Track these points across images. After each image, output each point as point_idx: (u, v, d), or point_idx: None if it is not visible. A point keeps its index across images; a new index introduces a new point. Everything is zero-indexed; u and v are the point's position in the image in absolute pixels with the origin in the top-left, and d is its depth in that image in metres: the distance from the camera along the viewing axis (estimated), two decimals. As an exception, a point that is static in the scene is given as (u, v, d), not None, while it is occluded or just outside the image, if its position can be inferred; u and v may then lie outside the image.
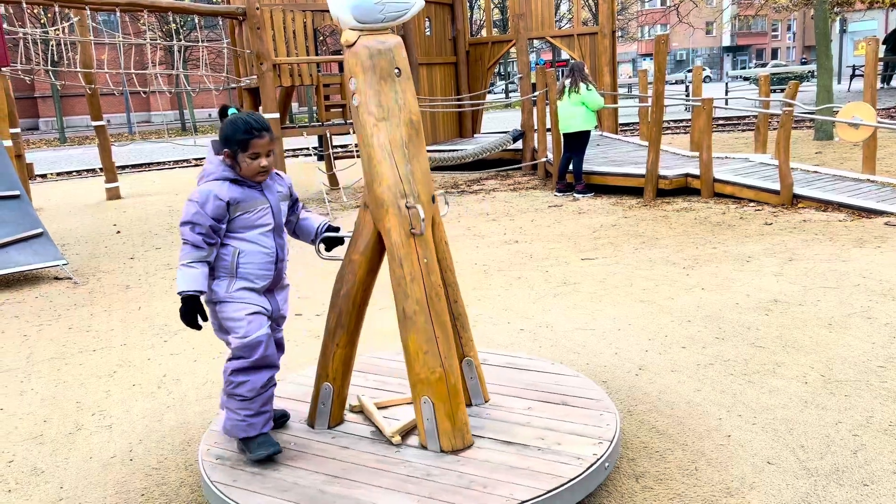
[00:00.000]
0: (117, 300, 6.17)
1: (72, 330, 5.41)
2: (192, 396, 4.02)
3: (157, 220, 10.23)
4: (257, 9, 10.23)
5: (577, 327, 4.72)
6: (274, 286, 2.98)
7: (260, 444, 2.85)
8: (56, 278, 7.08)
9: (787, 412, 3.40)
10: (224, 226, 2.81)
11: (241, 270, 2.84)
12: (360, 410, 3.26)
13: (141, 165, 18.02)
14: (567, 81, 9.59)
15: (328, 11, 10.16)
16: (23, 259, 6.95)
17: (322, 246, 3.25)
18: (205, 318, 2.85)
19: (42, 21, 25.78)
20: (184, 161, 18.40)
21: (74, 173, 17.37)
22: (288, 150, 18.28)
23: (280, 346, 3.08)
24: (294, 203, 3.19)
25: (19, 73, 9.54)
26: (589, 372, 3.97)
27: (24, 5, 8.62)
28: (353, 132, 11.53)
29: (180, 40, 22.21)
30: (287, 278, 3.10)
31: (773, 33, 74.35)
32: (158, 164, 18.24)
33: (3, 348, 5.06)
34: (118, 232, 9.46)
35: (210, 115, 40.15)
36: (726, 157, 10.22)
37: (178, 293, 2.77)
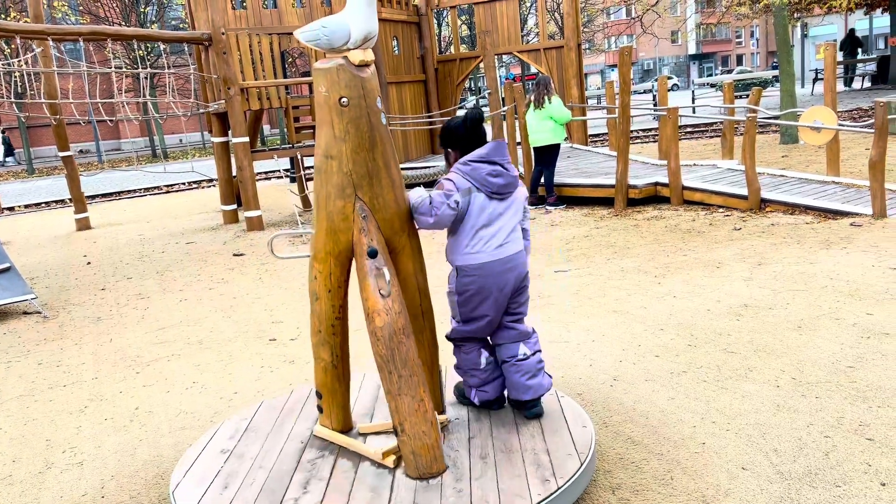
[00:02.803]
0: (88, 333, 6.08)
1: (41, 365, 5.31)
2: (166, 428, 3.97)
3: (127, 249, 10.12)
4: (223, 33, 10.21)
5: (552, 340, 4.73)
6: None
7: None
8: (25, 313, 6.97)
9: (760, 417, 3.42)
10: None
11: None
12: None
13: (111, 194, 17.82)
14: (533, 96, 9.68)
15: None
16: (-10, 295, 6.84)
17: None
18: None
19: (5, 52, 25.55)
20: (154, 188, 18.24)
21: (43, 205, 17.14)
22: (259, 173, 18.22)
23: None
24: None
25: (-18, 106, 9.42)
26: (564, 384, 3.98)
27: (-15, 38, 8.53)
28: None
29: (147, 67, 22.12)
30: None
31: (737, 40, 75.64)
32: (129, 192, 18.05)
33: (-29, 387, 4.96)
34: (88, 263, 9.33)
35: (181, 140, 39.89)
36: (694, 165, 10.36)
37: None
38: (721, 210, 8.35)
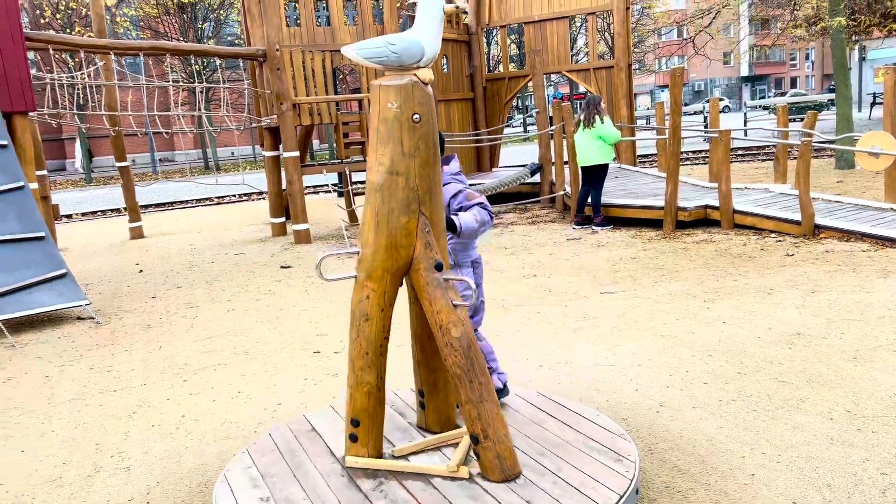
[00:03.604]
0: (138, 340, 6.22)
1: (93, 370, 5.44)
2: (211, 437, 4.02)
3: (178, 258, 10.34)
4: (277, 50, 10.42)
5: (597, 363, 4.67)
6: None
7: None
8: (79, 318, 7.15)
9: (813, 450, 3.32)
10: None
11: None
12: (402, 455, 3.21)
13: (164, 204, 18.27)
14: (583, 115, 9.64)
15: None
16: (46, 300, 7.04)
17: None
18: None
19: (70, 65, 26.48)
20: (206, 199, 18.63)
21: (99, 213, 17.65)
22: (308, 187, 18.48)
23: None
24: (460, 210, 3.51)
25: (46, 117, 9.77)
26: (609, 409, 3.92)
27: (52, 51, 8.87)
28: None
29: (202, 81, 22.68)
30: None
31: (792, 62, 74.27)
32: (181, 202, 18.48)
33: (26, 389, 5.10)
34: (141, 271, 9.56)
35: (232, 153, 40.73)
36: (746, 188, 10.17)
37: None
38: (773, 235, 8.17)
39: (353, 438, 2.97)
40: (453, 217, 3.30)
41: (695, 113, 44.35)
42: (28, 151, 8.20)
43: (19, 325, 6.91)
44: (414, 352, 3.24)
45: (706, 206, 9.03)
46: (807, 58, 73.90)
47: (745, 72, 72.31)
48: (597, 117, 9.42)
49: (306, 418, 3.66)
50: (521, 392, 3.85)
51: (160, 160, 38.27)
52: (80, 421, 4.42)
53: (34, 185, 8.06)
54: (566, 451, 3.14)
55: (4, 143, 7.76)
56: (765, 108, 41.27)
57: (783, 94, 60.60)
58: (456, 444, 3.29)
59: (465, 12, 14.76)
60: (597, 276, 7.05)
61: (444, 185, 3.45)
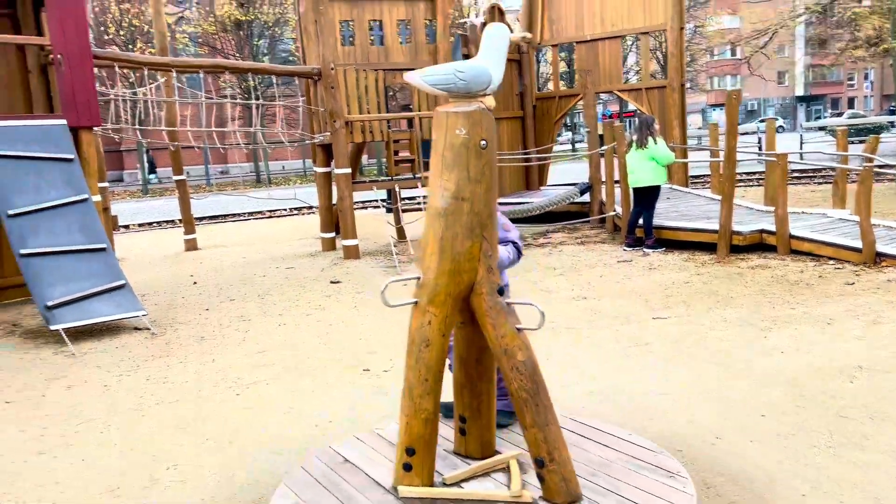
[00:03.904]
0: (193, 352, 6.34)
1: (149, 381, 5.57)
2: (263, 454, 4.07)
3: (231, 271, 10.53)
4: (332, 69, 10.60)
5: (650, 390, 4.60)
6: None
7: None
8: (136, 328, 7.34)
9: (879, 490, 3.21)
10: None
11: None
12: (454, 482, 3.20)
13: (217, 217, 18.66)
14: (636, 136, 9.56)
15: (399, 70, 10.41)
16: (106, 310, 7.24)
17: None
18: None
19: (131, 80, 27.32)
20: (258, 213, 18.98)
21: (155, 224, 18.11)
22: (356, 202, 18.66)
23: None
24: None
25: (109, 131, 10.10)
26: (663, 440, 3.85)
27: (117, 68, 9.17)
28: (422, 186, 11.73)
29: (258, 97, 23.16)
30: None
31: (850, 82, 72.52)
32: (234, 215, 18.86)
33: (86, 397, 5.24)
34: (195, 283, 9.76)
35: (283, 167, 41.44)
36: (802, 213, 9.93)
37: None
38: (832, 262, 7.95)
39: (407, 468, 2.92)
40: None
41: (746, 133, 43.53)
42: (92, 165, 8.46)
43: (79, 334, 7.12)
44: (457, 376, 3.22)
45: (762, 231, 8.85)
46: (865, 78, 72.11)
47: (800, 91, 70.87)
48: (650, 138, 9.34)
49: (334, 450, 3.57)
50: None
51: (221, 172, 39.22)
52: (137, 431, 4.52)
53: (97, 198, 8.31)
54: (615, 470, 3.15)
55: (71, 156, 8.04)
56: (821, 128, 40.34)
57: (840, 115, 59.15)
58: (503, 470, 3.27)
59: (531, 42, 14.78)
60: (648, 301, 6.96)
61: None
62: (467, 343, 3.11)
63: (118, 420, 4.74)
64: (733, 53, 56.79)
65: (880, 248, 7.68)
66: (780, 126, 52.56)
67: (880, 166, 8.77)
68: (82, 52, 8.31)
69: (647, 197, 9.45)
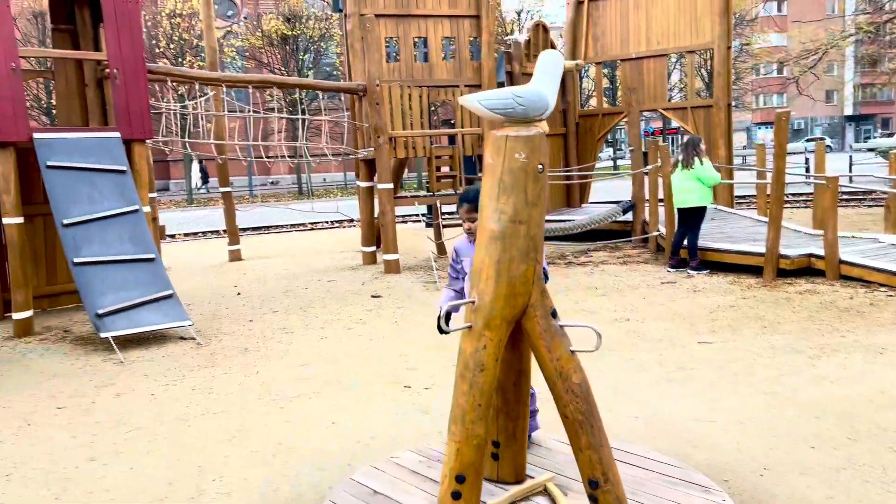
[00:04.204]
0: (237, 363, 6.44)
1: (195, 391, 5.67)
2: (307, 468, 4.11)
3: (274, 283, 10.68)
4: (377, 85, 10.72)
5: (695, 417, 4.54)
6: None
7: None
8: (181, 338, 7.47)
9: (936, 530, 3.11)
10: (458, 265, 3.76)
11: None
12: None
13: (260, 228, 18.94)
14: (681, 156, 9.47)
15: (443, 87, 10.44)
16: (153, 319, 7.40)
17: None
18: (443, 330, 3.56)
19: (180, 93, 27.95)
20: (300, 225, 19.21)
21: (200, 234, 18.45)
22: (398, 216, 18.78)
23: None
24: None
25: (160, 143, 10.35)
26: (709, 468, 3.79)
27: (170, 83, 9.40)
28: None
29: (303, 111, 23.50)
30: None
31: (901, 102, 70.75)
32: (277, 227, 19.12)
33: (134, 406, 5.36)
34: (239, 293, 9.92)
35: (324, 179, 41.91)
36: (853, 237, 9.71)
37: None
38: (883, 289, 7.76)
39: (455, 496, 2.85)
40: None
41: (793, 153, 42.72)
42: (143, 176, 8.68)
43: (127, 342, 7.28)
44: (493, 400, 3.17)
45: (810, 255, 8.67)
46: (918, 97, 70.25)
47: (849, 111, 69.42)
48: (696, 158, 9.24)
49: (359, 482, 3.51)
50: (551, 436, 3.83)
51: (271, 183, 39.85)
52: (183, 441, 4.60)
53: (147, 209, 8.52)
54: (653, 488, 3.20)
55: (123, 168, 8.26)
56: (871, 149, 39.38)
57: (890, 135, 57.75)
58: (539, 494, 3.27)
59: (585, 67, 14.79)
60: (693, 324, 6.87)
61: None
62: (506, 367, 3.11)
63: (165, 429, 4.83)
64: (780, 71, 55.92)
65: (935, 275, 7.48)
66: (828, 146, 51.50)
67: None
68: (137, 66, 8.56)
69: (692, 218, 9.34)
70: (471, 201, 3.56)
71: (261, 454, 4.34)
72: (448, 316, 3.82)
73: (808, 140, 50.74)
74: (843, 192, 18.45)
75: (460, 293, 3.81)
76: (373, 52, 10.83)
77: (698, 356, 5.83)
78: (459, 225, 13.08)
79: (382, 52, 11.58)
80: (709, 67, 33.64)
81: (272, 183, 37.59)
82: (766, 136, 62.33)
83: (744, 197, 18.86)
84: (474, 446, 2.70)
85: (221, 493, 3.83)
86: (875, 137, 61.19)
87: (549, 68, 2.97)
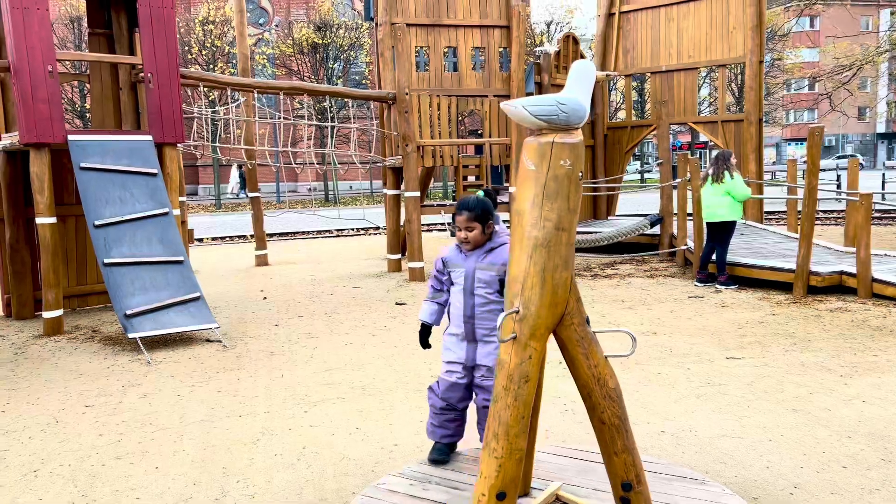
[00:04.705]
0: (262, 366, 6.47)
1: (220, 393, 5.70)
2: (330, 472, 4.11)
3: (300, 288, 10.73)
4: (407, 94, 10.77)
5: (724, 434, 4.47)
6: (471, 338, 3.61)
7: (434, 450, 3.73)
8: (208, 340, 7.53)
9: (974, 557, 3.02)
10: (444, 277, 3.71)
11: (450, 317, 3.72)
12: None
13: (287, 234, 19.08)
14: (711, 170, 9.39)
15: (471, 96, 10.44)
16: (181, 320, 7.47)
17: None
18: (428, 343, 3.85)
19: (210, 99, 28.32)
20: (326, 231, 19.32)
21: (228, 239, 18.63)
22: (423, 225, 18.83)
23: (481, 388, 3.63)
24: (501, 284, 3.52)
25: (191, 147, 10.48)
26: (738, 486, 3.73)
27: (202, 88, 9.52)
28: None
29: (332, 118, 23.69)
30: (495, 337, 3.48)
31: (936, 120, 69.59)
32: (303, 233, 19.25)
33: (160, 406, 5.40)
34: (265, 298, 9.98)
35: (350, 186, 42.17)
36: (885, 255, 9.55)
37: (418, 319, 3.88)
38: (918, 308, 7.61)
39: None
40: None
41: (824, 170, 42.20)
42: (174, 180, 8.79)
43: (154, 343, 7.35)
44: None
45: (841, 273, 8.53)
46: (952, 116, 69.06)
47: (881, 128, 68.42)
48: (726, 172, 9.15)
49: None
50: (540, 447, 3.78)
51: (309, 190, 40.17)
52: (208, 443, 4.62)
53: (177, 212, 8.61)
54: (660, 485, 3.26)
55: (155, 171, 8.37)
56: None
57: (925, 154, 56.81)
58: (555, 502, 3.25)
59: (614, 79, 14.74)
60: (721, 339, 6.78)
61: (500, 247, 3.53)
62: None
63: (191, 430, 4.86)
64: (811, 87, 55.36)
65: (972, 296, 7.31)
66: (860, 164, 50.89)
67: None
68: (171, 71, 8.68)
69: (721, 232, 9.25)
70: (471, 209, 3.50)
71: (285, 458, 4.35)
72: (427, 331, 3.83)
73: (839, 157, 50.13)
74: (876, 210, 18.16)
75: (444, 307, 3.77)
76: (403, 60, 10.88)
77: (726, 372, 5.75)
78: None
79: (412, 61, 11.63)
80: (739, 82, 33.36)
81: (309, 189, 37.84)
82: (796, 151, 61.67)
83: (773, 213, 18.64)
84: (516, 461, 2.64)
85: (245, 496, 3.84)
86: (908, 155, 60.21)
87: (581, 77, 2.96)
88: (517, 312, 2.69)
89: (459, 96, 11.83)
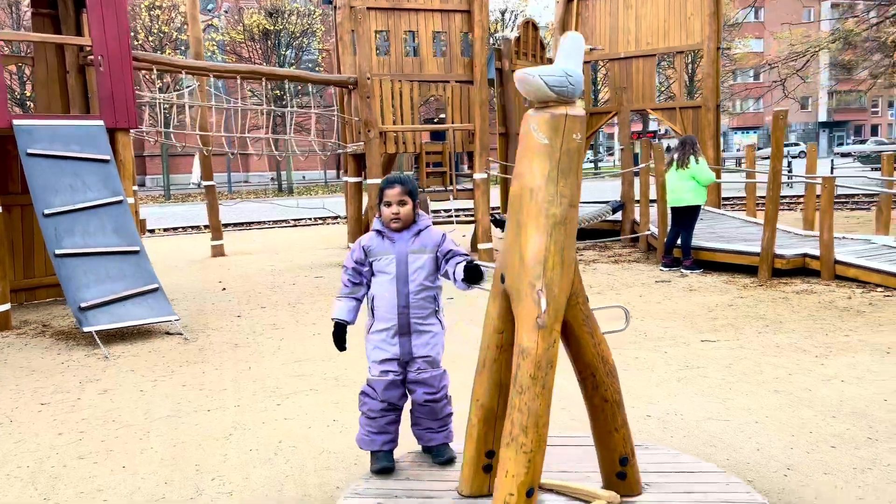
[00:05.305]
0: (227, 359, 6.22)
1: (185, 387, 5.44)
2: (311, 466, 3.92)
3: (259, 278, 10.44)
4: (368, 79, 10.53)
5: (709, 417, 4.42)
6: (405, 330, 3.30)
7: (377, 459, 3.37)
8: (167, 333, 7.23)
9: (973, 533, 3.01)
10: (365, 268, 3.36)
11: (375, 313, 3.36)
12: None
13: (241, 224, 18.63)
14: (676, 155, 9.40)
15: (433, 82, 10.19)
16: (138, 313, 7.14)
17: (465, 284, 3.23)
18: (345, 343, 3.48)
19: (158, 87, 27.47)
20: (282, 221, 18.94)
21: (180, 229, 18.10)
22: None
23: (420, 383, 3.36)
24: (447, 256, 3.31)
25: (144, 134, 10.07)
26: (731, 468, 3.67)
27: (155, 71, 9.13)
28: (452, 199, 11.61)
29: (285, 106, 23.18)
30: (433, 326, 3.35)
31: (874, 109, 71.98)
32: (258, 223, 18.82)
33: (122, 402, 5.12)
34: (224, 289, 9.67)
35: (304, 177, 41.53)
36: (843, 238, 9.71)
37: (331, 318, 3.47)
38: (880, 290, 7.73)
39: None
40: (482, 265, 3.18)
41: (765, 158, 43.19)
42: (128, 167, 8.42)
43: (111, 337, 7.02)
44: (491, 405, 2.92)
45: (805, 255, 8.64)
46: (890, 105, 71.54)
47: (822, 117, 70.41)
48: (692, 157, 9.18)
49: None
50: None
51: (271, 179, 39.36)
52: (177, 439, 4.38)
53: (131, 200, 8.25)
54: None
55: (107, 157, 7.98)
56: (844, 154, 39.93)
57: (863, 142, 58.71)
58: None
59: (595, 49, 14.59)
60: (694, 323, 6.77)
61: (426, 229, 3.33)
62: (511, 368, 2.95)
63: (157, 426, 4.61)
64: (756, 77, 56.48)
65: (932, 276, 7.46)
66: (802, 151, 52.17)
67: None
68: (122, 53, 8.29)
69: (686, 217, 9.28)
70: (404, 183, 3.26)
71: (261, 453, 4.14)
72: (344, 330, 3.42)
73: (784, 145, 51.40)
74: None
75: (360, 302, 3.40)
76: (363, 44, 10.63)
77: (703, 354, 5.73)
78: (450, 221, 12.85)
79: (372, 45, 11.38)
80: (689, 71, 33.85)
81: (272, 179, 37.05)
82: (742, 140, 62.97)
83: (727, 199, 18.91)
84: (543, 453, 2.50)
85: (222, 493, 3.63)
86: (848, 143, 62.14)
87: (575, 49, 2.84)
88: (542, 294, 2.52)
89: (421, 82, 11.63)
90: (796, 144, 55.28)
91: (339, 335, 3.45)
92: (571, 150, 2.53)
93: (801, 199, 14.41)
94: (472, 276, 3.14)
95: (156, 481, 3.80)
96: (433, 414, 3.40)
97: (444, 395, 3.42)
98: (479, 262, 3.19)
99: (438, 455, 3.43)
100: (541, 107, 2.70)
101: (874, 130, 71.68)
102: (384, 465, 3.33)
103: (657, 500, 2.95)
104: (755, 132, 66.53)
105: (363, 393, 3.43)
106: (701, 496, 3.01)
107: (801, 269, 8.70)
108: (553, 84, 2.55)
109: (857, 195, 17.68)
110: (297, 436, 4.38)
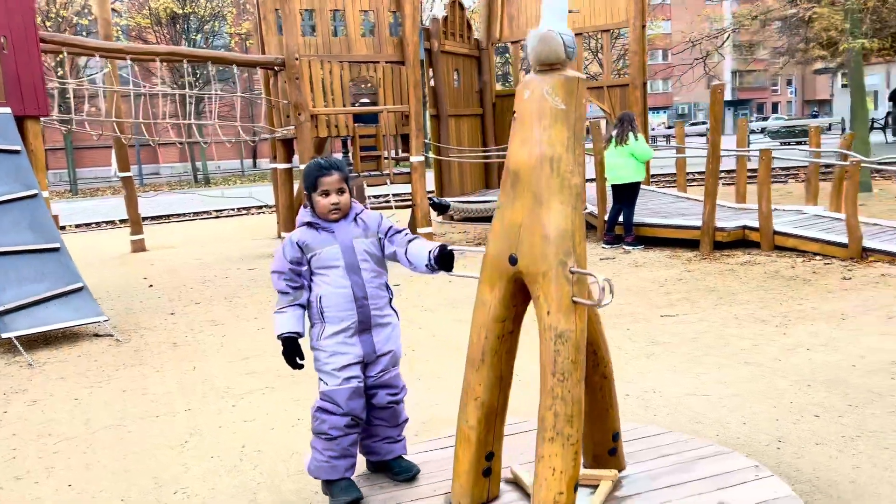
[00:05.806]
0: (168, 360, 5.78)
1: (126, 392, 5.01)
2: (283, 471, 3.62)
3: (188, 273, 9.89)
4: (296, 59, 10.08)
5: (687, 392, 4.34)
6: (366, 326, 2.94)
7: (343, 489, 2.90)
8: (96, 335, 6.71)
9: (976, 495, 3.00)
10: (304, 267, 2.93)
11: (326, 314, 2.92)
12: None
13: (160, 217, 17.75)
14: (615, 132, 9.39)
15: (364, 62, 9.82)
16: (63, 315, 6.58)
17: (442, 272, 2.95)
18: (302, 358, 2.98)
19: (59, 74, 25.88)
20: (204, 213, 18.15)
21: (94, 225, 17.09)
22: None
23: (383, 386, 3.02)
24: (390, 235, 3.03)
25: (55, 123, 9.32)
26: (722, 443, 3.57)
27: (66, 54, 8.44)
28: (389, 183, 11.31)
29: (198, 88, 22.20)
30: (390, 317, 3.03)
31: (773, 88, 75.32)
32: (178, 215, 17.98)
33: (56, 413, 4.66)
34: (150, 286, 9.10)
35: (219, 167, 40.12)
36: (775, 209, 9.94)
37: (277, 337, 2.96)
38: (818, 258, 7.92)
39: None
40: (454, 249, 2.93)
41: (692, 135, 44.53)
42: (40, 158, 7.77)
43: (33, 342, 6.45)
44: (489, 401, 2.69)
45: (744, 227, 8.78)
46: (789, 84, 75.01)
47: (728, 96, 73.15)
48: (630, 134, 9.18)
49: None
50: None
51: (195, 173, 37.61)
52: (127, 451, 3.98)
53: (46, 194, 7.61)
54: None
55: (17, 148, 7.32)
56: (752, 131, 41.61)
57: (765, 119, 61.37)
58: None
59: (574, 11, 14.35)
60: (649, 298, 6.74)
61: (362, 212, 3.04)
62: (513, 357, 2.76)
63: (101, 438, 4.19)
64: (665, 57, 58.06)
65: (866, 243, 7.69)
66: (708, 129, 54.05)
67: (868, 162, 8.81)
68: (28, 34, 7.61)
69: (627, 194, 9.29)
70: (341, 169, 2.93)
71: (224, 460, 3.80)
72: (296, 345, 2.95)
73: (692, 124, 52.90)
74: (751, 169, 19.18)
75: (304, 309, 2.96)
76: (290, 24, 10.15)
77: (666, 329, 5.68)
78: (388, 206, 12.49)
79: (298, 25, 10.90)
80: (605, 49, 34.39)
81: (185, 171, 35.52)
82: (653, 120, 64.76)
83: (654, 175, 19.26)
84: (575, 447, 2.28)
85: (190, 509, 3.29)
86: (752, 121, 64.83)
87: (561, 11, 2.65)
88: (573, 272, 2.30)
89: (351, 62, 11.23)
90: (704, 122, 57.17)
91: (292, 351, 2.95)
92: (581, 116, 2.35)
93: (732, 174, 14.77)
94: (447, 262, 2.89)
95: (109, 498, 3.42)
96: (394, 419, 3.05)
97: (403, 397, 3.09)
98: (452, 247, 2.94)
99: (404, 470, 3.06)
100: (544, 70, 2.48)
101: (774, 108, 75.06)
102: (356, 497, 2.88)
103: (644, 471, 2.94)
104: (665, 112, 68.60)
105: (320, 409, 2.94)
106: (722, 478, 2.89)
107: (740, 241, 8.85)
108: (569, 44, 2.35)
109: (775, 169, 18.28)
110: (261, 439, 4.06)
